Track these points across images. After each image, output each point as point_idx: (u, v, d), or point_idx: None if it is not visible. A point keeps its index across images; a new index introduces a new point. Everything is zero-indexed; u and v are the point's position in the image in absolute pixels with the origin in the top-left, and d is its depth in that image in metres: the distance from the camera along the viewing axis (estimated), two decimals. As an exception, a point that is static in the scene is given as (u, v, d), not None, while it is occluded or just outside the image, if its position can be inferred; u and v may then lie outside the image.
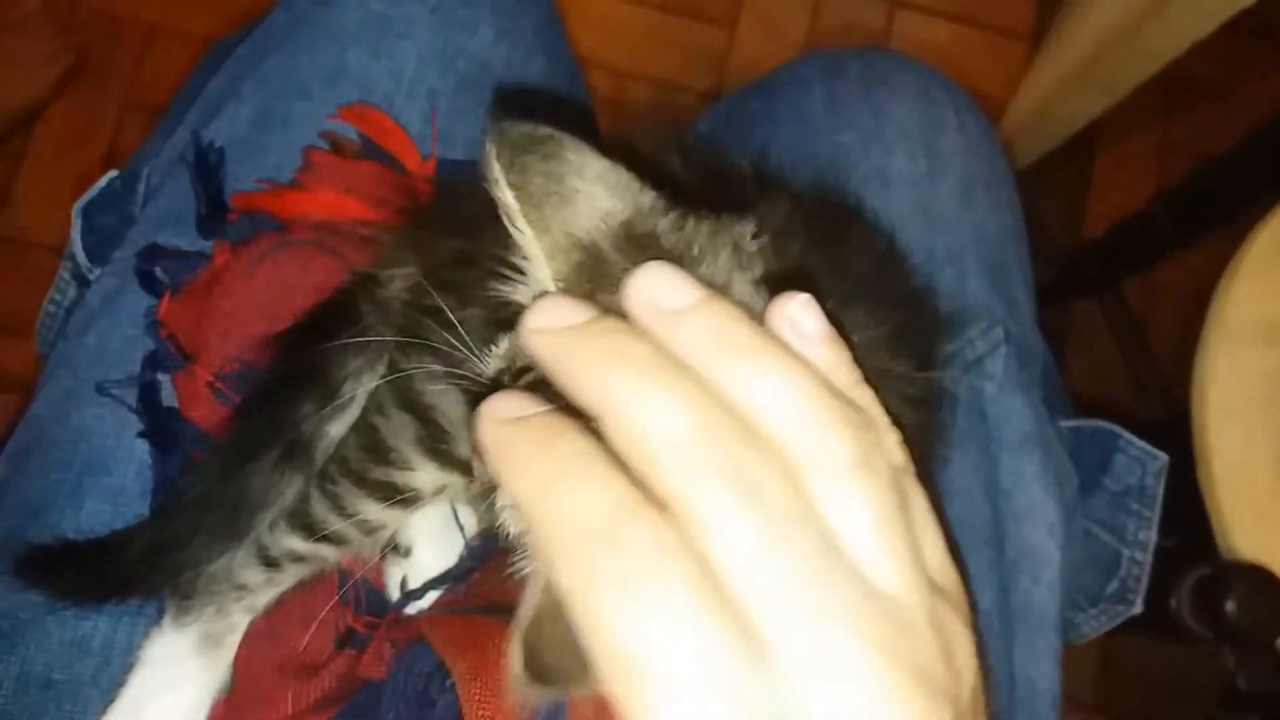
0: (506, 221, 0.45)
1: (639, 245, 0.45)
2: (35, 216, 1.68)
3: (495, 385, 0.61)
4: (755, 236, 0.46)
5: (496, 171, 0.44)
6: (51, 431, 0.73)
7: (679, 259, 0.44)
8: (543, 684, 0.38)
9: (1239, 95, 1.67)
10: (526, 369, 0.48)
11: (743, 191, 0.61)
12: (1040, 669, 0.76)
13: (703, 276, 0.37)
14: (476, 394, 0.62)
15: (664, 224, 0.45)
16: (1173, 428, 1.04)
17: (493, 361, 0.51)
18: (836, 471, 0.30)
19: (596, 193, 0.45)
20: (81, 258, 0.81)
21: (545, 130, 0.45)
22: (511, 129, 0.45)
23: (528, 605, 0.40)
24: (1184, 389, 1.07)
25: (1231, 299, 1.06)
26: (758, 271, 0.45)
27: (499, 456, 0.32)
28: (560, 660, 0.37)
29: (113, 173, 0.84)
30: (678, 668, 0.27)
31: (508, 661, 0.39)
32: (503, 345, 0.51)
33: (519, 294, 0.50)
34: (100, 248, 0.82)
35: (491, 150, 0.44)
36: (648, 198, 0.45)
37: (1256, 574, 0.99)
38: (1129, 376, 1.55)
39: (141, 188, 0.82)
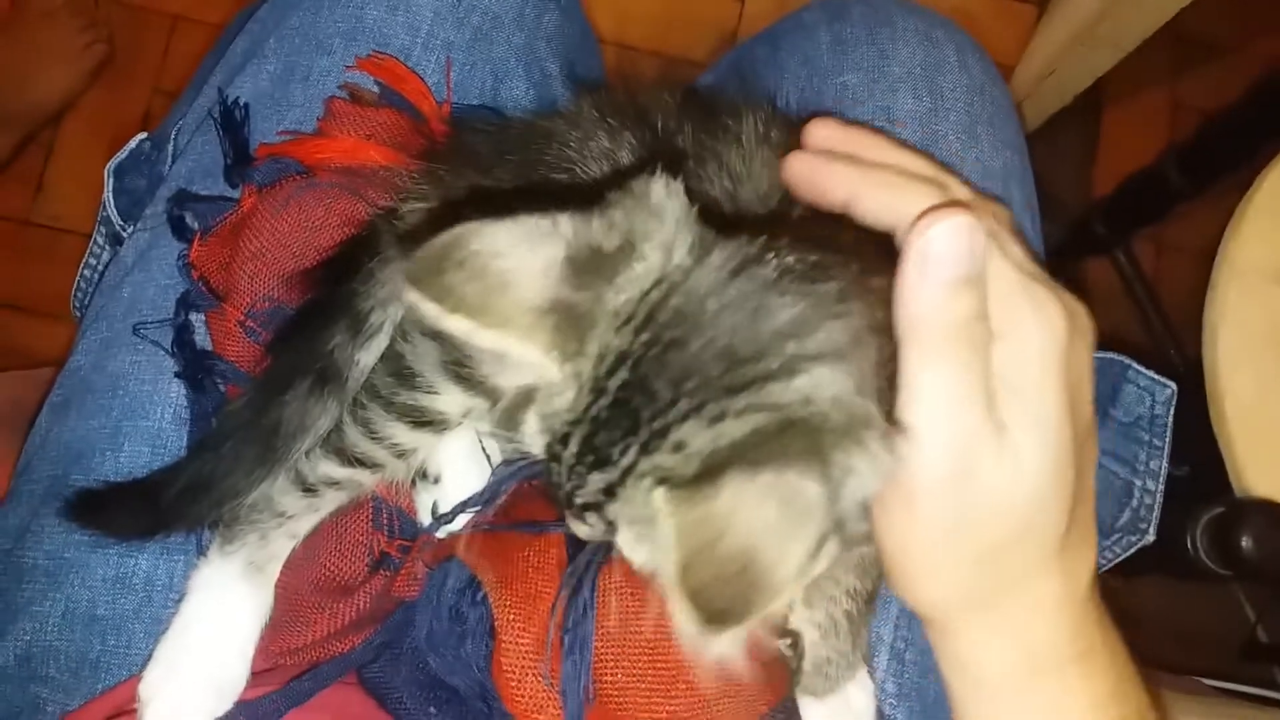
0: (468, 342, 0.48)
1: (593, 269, 0.48)
2: (67, 205, 1.71)
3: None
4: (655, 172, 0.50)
5: (431, 308, 0.46)
6: (90, 380, 0.76)
7: (629, 250, 0.48)
8: (725, 625, 0.43)
9: (1246, 52, 1.67)
10: None
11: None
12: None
13: (653, 244, 0.48)
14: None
15: (596, 231, 0.48)
16: (1187, 381, 1.05)
17: None
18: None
19: (524, 256, 0.47)
20: (115, 216, 0.84)
21: (440, 240, 0.47)
22: (414, 262, 0.47)
23: (668, 565, 0.44)
24: (1197, 344, 1.08)
25: (1240, 240, 1.07)
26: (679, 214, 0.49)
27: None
28: (729, 597, 0.43)
29: (142, 135, 0.87)
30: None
31: (679, 625, 0.44)
32: None
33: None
34: (132, 209, 0.85)
35: (413, 294, 0.47)
36: (565, 224, 0.48)
37: (1271, 510, 1.00)
38: (1143, 333, 1.56)
39: (170, 149, 0.85)
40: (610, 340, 0.49)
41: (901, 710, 0.71)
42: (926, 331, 0.49)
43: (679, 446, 0.47)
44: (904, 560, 0.54)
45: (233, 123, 0.78)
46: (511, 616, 0.59)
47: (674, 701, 0.60)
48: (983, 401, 0.50)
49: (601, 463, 0.49)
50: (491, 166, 0.67)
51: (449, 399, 0.65)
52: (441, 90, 0.80)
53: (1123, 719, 0.57)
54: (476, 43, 0.82)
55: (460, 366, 0.65)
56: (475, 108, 0.80)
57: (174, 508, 0.65)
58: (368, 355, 0.66)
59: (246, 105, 0.79)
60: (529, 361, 0.49)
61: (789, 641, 0.67)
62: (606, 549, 0.63)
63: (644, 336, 0.48)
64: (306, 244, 0.70)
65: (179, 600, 0.66)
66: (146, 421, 0.73)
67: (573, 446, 0.50)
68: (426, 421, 0.66)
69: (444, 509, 0.69)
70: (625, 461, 0.48)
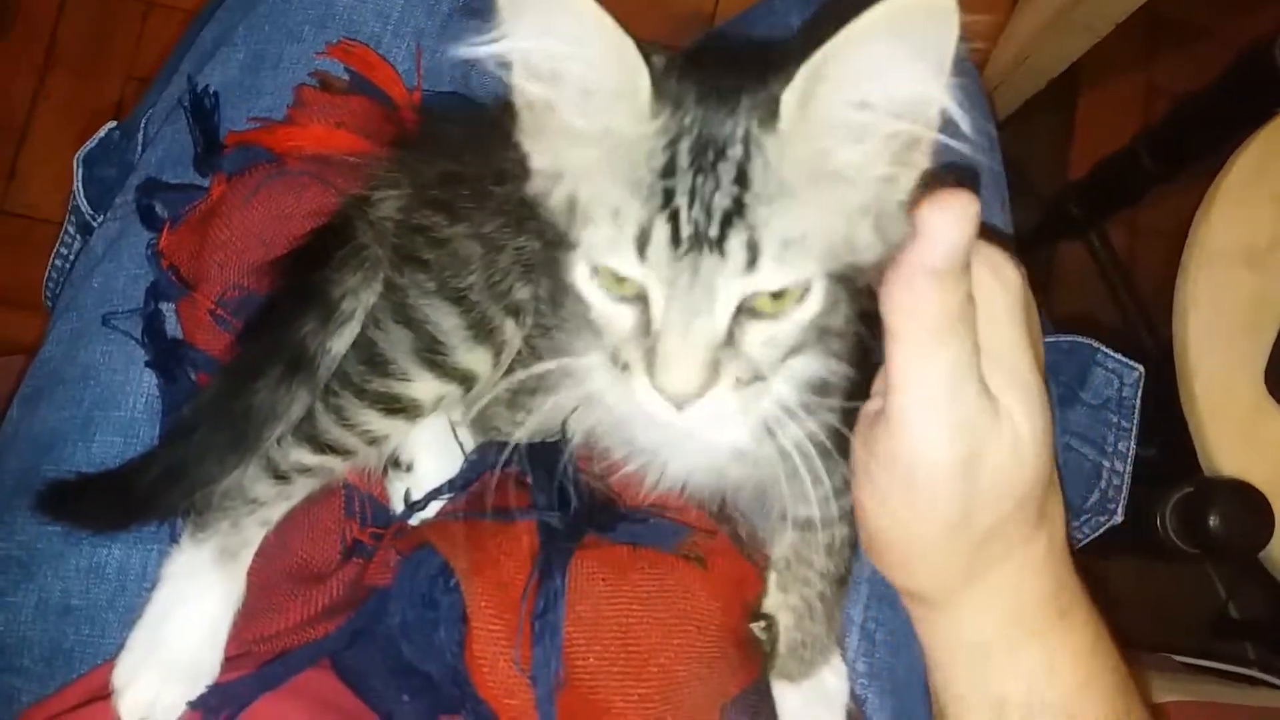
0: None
1: None
2: (40, 192, 1.70)
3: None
4: None
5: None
6: (61, 371, 0.76)
7: None
8: None
9: (1222, 35, 1.67)
10: None
11: None
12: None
13: None
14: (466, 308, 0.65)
15: None
16: (1160, 365, 1.06)
17: None
18: None
19: None
20: (84, 205, 0.84)
21: None
22: None
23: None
24: (1169, 326, 1.09)
25: (1210, 224, 1.08)
26: None
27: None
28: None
29: (112, 123, 0.87)
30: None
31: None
32: None
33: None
34: (102, 198, 0.84)
35: None
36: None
37: (1238, 489, 1.01)
38: (1115, 315, 1.57)
39: (140, 137, 0.84)
40: None
41: (873, 690, 0.72)
42: (922, 322, 0.49)
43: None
44: (903, 550, 0.56)
45: (202, 111, 0.78)
46: (483, 604, 0.60)
47: (645, 684, 0.61)
48: (978, 378, 0.51)
49: (721, 149, 0.47)
50: (462, 152, 0.67)
51: (422, 386, 0.65)
52: (412, 77, 0.80)
53: (1102, 670, 0.59)
54: (447, 30, 0.82)
55: (432, 353, 0.65)
56: (446, 94, 0.80)
57: (146, 497, 0.65)
58: (339, 343, 0.66)
59: (216, 93, 0.79)
60: (623, 63, 0.48)
61: (763, 625, 0.67)
62: (578, 534, 0.64)
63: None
64: (276, 232, 0.70)
65: (152, 588, 0.66)
66: (118, 411, 0.73)
67: (683, 158, 0.48)
68: (399, 409, 0.66)
69: (416, 496, 0.69)
70: (741, 129, 0.47)
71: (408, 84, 0.79)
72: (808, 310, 0.50)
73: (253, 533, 0.67)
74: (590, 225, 0.49)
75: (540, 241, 0.62)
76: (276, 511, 0.67)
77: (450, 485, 0.69)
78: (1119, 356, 0.88)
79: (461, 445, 0.72)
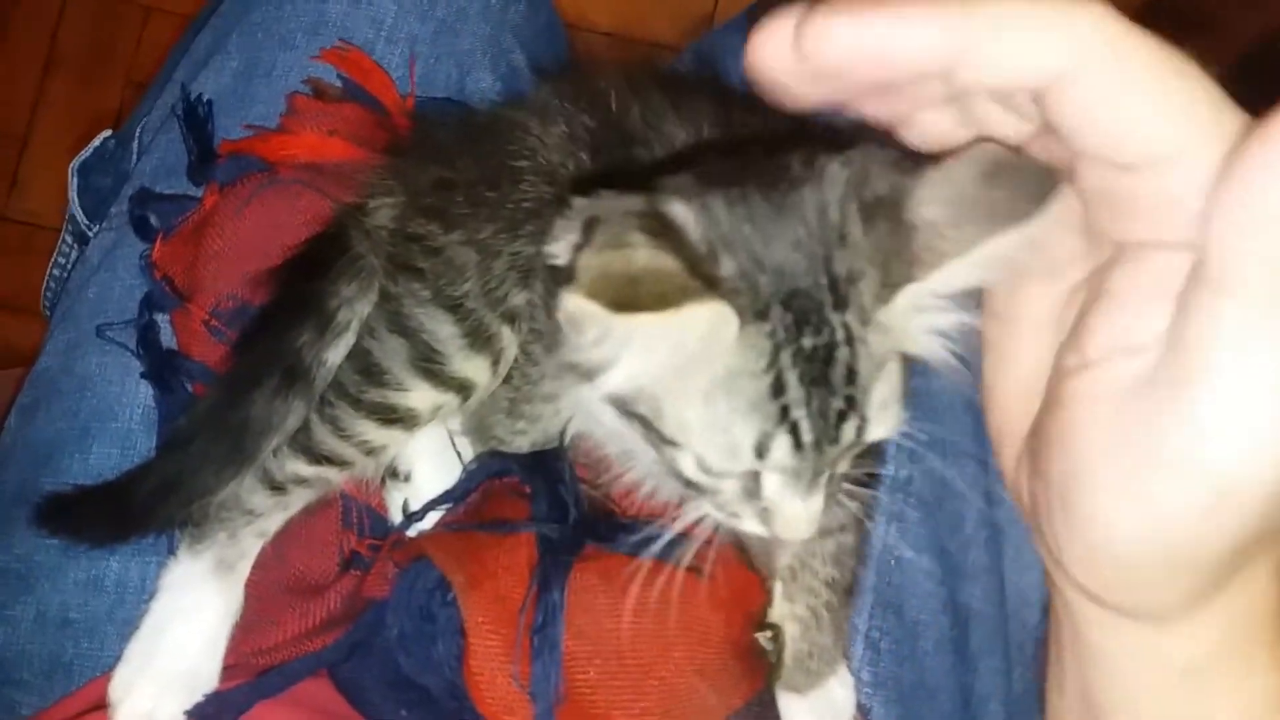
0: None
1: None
2: (42, 200, 1.70)
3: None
4: None
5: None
6: (58, 383, 0.76)
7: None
8: None
9: (1228, 28, 1.66)
10: None
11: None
12: (1029, 578, 0.77)
13: None
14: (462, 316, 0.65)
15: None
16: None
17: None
18: None
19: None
20: (80, 215, 0.84)
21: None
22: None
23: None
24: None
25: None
26: None
27: None
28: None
29: (106, 132, 0.86)
30: None
31: None
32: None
33: None
34: (98, 207, 0.84)
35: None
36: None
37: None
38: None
39: (135, 146, 0.84)
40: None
41: (878, 699, 0.71)
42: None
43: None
44: (1158, 572, 0.40)
45: (196, 120, 0.77)
46: (480, 618, 0.59)
47: (646, 697, 0.60)
48: None
49: (829, 354, 0.46)
50: (454, 158, 0.67)
51: (418, 396, 0.65)
52: (406, 83, 0.79)
53: None
54: (441, 35, 0.82)
55: (429, 363, 0.64)
56: (440, 101, 0.80)
57: (143, 510, 0.65)
58: (335, 353, 0.66)
59: (210, 101, 0.78)
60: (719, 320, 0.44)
61: (769, 635, 0.67)
62: (578, 547, 0.63)
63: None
64: (270, 242, 0.70)
65: (150, 600, 0.66)
66: (115, 423, 0.73)
67: (789, 374, 0.46)
68: (396, 419, 0.65)
69: (414, 507, 0.69)
70: (841, 330, 0.46)
71: (401, 90, 0.78)
72: (896, 422, 0.51)
73: (250, 544, 0.67)
74: (694, 434, 0.49)
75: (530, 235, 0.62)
76: (274, 523, 0.67)
77: (448, 496, 0.68)
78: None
79: (460, 455, 0.71)
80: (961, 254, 0.43)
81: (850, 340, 0.46)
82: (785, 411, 0.47)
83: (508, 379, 0.67)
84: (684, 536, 0.64)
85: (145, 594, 0.68)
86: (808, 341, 0.46)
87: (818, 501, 0.51)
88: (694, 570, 0.63)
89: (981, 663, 0.75)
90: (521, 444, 0.68)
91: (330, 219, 0.70)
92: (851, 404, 0.47)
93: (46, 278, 0.91)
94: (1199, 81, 0.34)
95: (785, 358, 0.46)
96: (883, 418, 0.49)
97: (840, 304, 0.46)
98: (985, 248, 0.42)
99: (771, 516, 0.51)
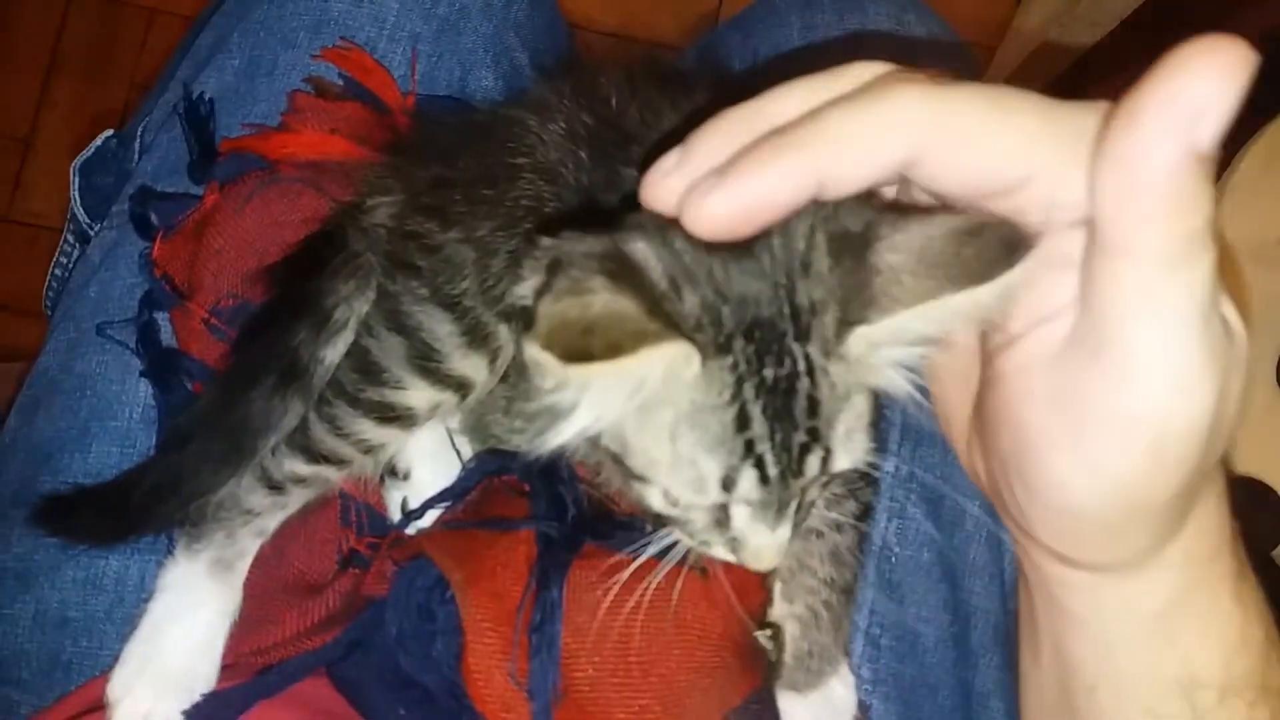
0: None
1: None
2: (46, 201, 1.71)
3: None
4: None
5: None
6: (58, 381, 0.76)
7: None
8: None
9: (1228, 27, 1.65)
10: None
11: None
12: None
13: None
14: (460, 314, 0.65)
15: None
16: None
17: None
18: None
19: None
20: (81, 214, 0.84)
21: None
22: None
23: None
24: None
25: (1220, 219, 1.07)
26: None
27: None
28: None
29: (108, 132, 0.86)
30: None
31: None
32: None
33: None
34: (99, 206, 0.84)
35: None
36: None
37: (1252, 487, 1.00)
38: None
39: (137, 145, 0.84)
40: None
41: (877, 696, 0.71)
42: (1175, 229, 0.35)
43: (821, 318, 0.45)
44: (1108, 523, 0.42)
45: (197, 118, 0.77)
46: (478, 616, 0.59)
47: (645, 695, 0.60)
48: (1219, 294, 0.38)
49: (790, 387, 0.46)
50: (455, 157, 0.67)
51: (416, 394, 0.65)
52: (407, 82, 0.79)
53: (1274, 627, 0.49)
54: (443, 34, 0.82)
55: (427, 361, 0.64)
56: (442, 99, 0.79)
57: (141, 509, 0.65)
58: (333, 352, 0.65)
59: (211, 100, 0.78)
60: (677, 360, 0.44)
61: (769, 634, 0.67)
62: (577, 545, 0.63)
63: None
64: (270, 240, 0.70)
65: (148, 600, 0.66)
66: (115, 422, 0.73)
67: (753, 408, 0.46)
68: (394, 417, 0.65)
69: (413, 505, 0.69)
70: (803, 361, 0.46)
71: (403, 89, 0.78)
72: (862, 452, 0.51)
73: (248, 543, 0.67)
74: (661, 469, 0.49)
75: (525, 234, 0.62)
76: (272, 522, 0.67)
77: (447, 494, 0.68)
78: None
79: (459, 453, 0.71)
80: (914, 305, 0.42)
81: (812, 371, 0.46)
82: (750, 446, 0.47)
83: (505, 377, 0.67)
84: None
85: (144, 593, 0.68)
86: (769, 372, 0.45)
87: (786, 531, 0.51)
88: (693, 568, 0.63)
89: (982, 659, 0.74)
90: (519, 442, 0.67)
91: (328, 217, 0.69)
92: (815, 436, 0.47)
93: (48, 277, 0.91)
94: (1021, 103, 0.38)
95: (748, 390, 0.46)
96: (848, 448, 0.48)
97: (802, 335, 0.45)
98: (939, 303, 0.41)
99: (740, 546, 0.52)
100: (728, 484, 0.48)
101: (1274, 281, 1.06)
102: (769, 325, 0.45)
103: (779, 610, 0.67)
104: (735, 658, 0.63)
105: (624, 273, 0.44)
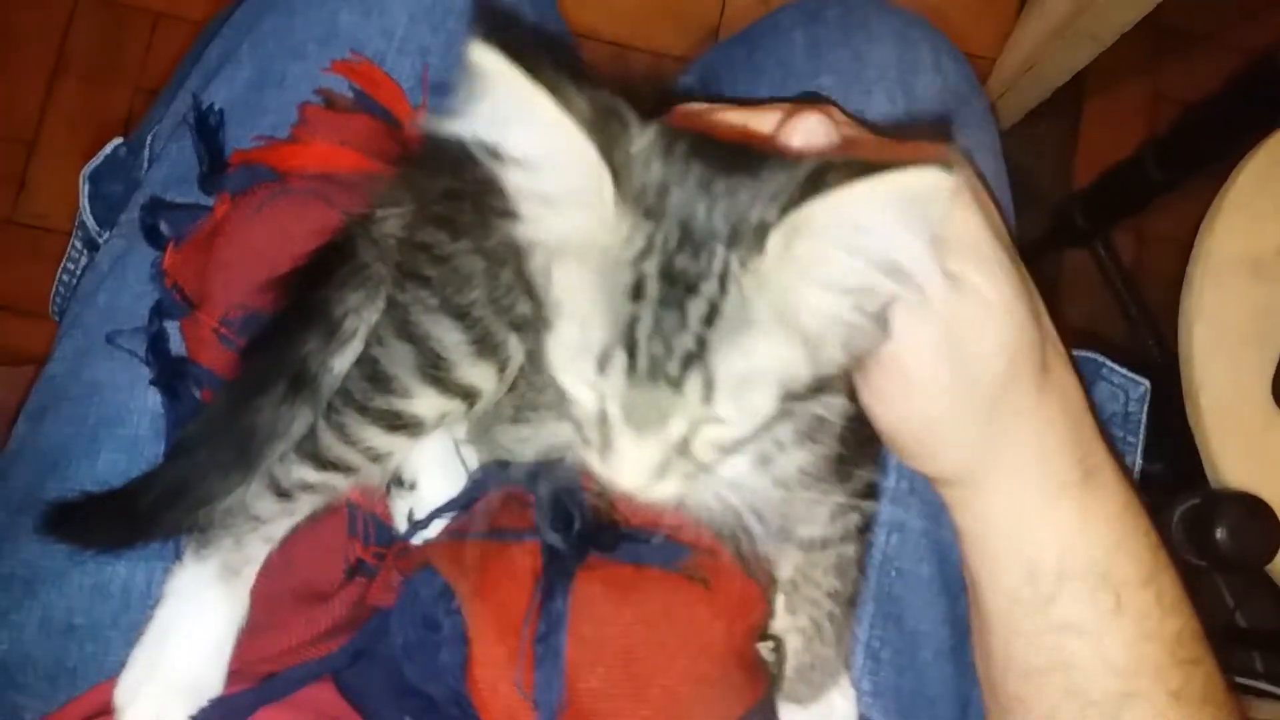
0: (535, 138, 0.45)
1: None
2: (51, 203, 1.70)
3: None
4: None
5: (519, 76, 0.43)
6: (66, 388, 0.76)
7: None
8: None
9: (1227, 43, 1.67)
10: None
11: None
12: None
13: None
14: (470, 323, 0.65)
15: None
16: (1166, 374, 1.06)
17: None
18: None
19: None
20: (90, 222, 0.84)
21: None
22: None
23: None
24: (1176, 335, 1.08)
25: (1216, 234, 1.08)
26: None
27: None
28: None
29: (118, 140, 0.87)
30: None
31: None
32: None
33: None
34: (108, 214, 0.85)
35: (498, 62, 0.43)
36: None
37: (1246, 502, 1.01)
38: (1122, 325, 1.56)
39: (146, 154, 0.84)
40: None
41: (877, 709, 0.71)
42: None
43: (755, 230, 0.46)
44: (920, 435, 0.58)
45: (207, 128, 0.78)
46: (484, 627, 0.60)
47: (648, 706, 0.61)
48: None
49: (694, 282, 0.46)
50: (464, 168, 0.67)
51: (424, 402, 0.65)
52: (417, 94, 0.80)
53: (1134, 532, 0.60)
54: (452, 46, 0.82)
55: (435, 370, 0.65)
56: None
57: (150, 516, 0.65)
58: (341, 361, 0.66)
59: (221, 111, 0.79)
60: (586, 168, 0.45)
61: (771, 646, 0.67)
62: (582, 556, 0.64)
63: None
64: (280, 251, 0.70)
65: (155, 606, 0.66)
66: (123, 429, 0.73)
67: (651, 285, 0.46)
68: (401, 425, 0.66)
69: (419, 515, 0.69)
70: (719, 263, 0.46)
71: (412, 101, 0.79)
72: (757, 418, 0.50)
73: (256, 550, 0.67)
74: (561, 317, 0.49)
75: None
76: (280, 529, 0.67)
77: (453, 504, 0.69)
78: (1125, 371, 0.87)
79: (465, 464, 0.72)
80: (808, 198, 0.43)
81: (724, 277, 0.46)
82: (632, 325, 0.46)
83: (513, 387, 0.67)
84: (688, 546, 0.65)
85: (150, 599, 0.69)
86: (681, 262, 0.46)
87: (652, 455, 0.50)
88: (697, 580, 0.63)
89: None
90: (526, 453, 0.68)
91: (338, 229, 0.70)
92: (702, 348, 0.46)
93: (55, 283, 0.91)
94: None
95: (651, 265, 0.46)
96: (739, 398, 0.48)
97: (732, 240, 0.46)
98: (845, 191, 0.43)
99: (609, 452, 0.51)
100: (602, 363, 0.48)
101: (1270, 295, 1.07)
102: (705, 224, 0.46)
103: (782, 622, 0.67)
104: (738, 670, 0.64)
105: (608, 113, 0.46)
